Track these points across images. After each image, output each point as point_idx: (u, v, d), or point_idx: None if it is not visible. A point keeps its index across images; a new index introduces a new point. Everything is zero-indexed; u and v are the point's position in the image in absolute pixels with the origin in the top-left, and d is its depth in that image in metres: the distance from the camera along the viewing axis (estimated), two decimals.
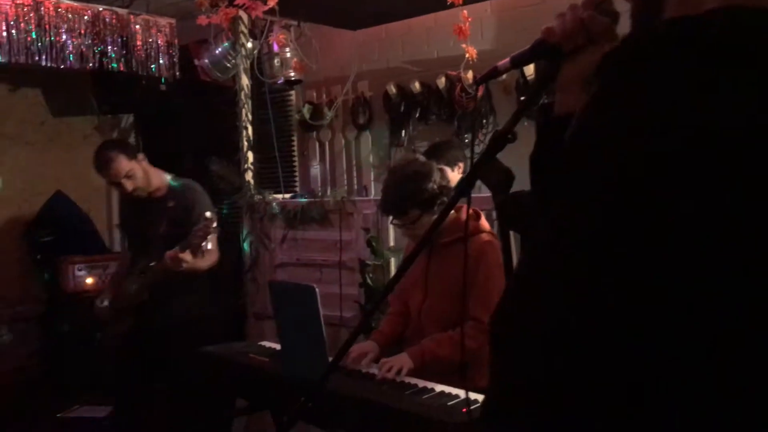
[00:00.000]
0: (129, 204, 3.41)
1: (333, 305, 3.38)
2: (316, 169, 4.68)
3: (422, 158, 2.66)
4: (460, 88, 3.91)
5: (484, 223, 2.53)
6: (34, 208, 5.36)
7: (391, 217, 2.61)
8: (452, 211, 2.54)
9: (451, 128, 4.05)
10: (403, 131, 4.29)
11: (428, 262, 2.52)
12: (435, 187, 2.44)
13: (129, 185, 3.21)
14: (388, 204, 2.50)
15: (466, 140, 3.95)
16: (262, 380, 2.50)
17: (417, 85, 4.15)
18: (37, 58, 3.95)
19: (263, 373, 2.49)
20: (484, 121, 3.98)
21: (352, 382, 2.27)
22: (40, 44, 3.99)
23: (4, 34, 3.84)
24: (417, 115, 4.21)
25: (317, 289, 2.19)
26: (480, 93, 3.88)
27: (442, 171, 2.56)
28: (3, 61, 3.84)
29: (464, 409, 1.96)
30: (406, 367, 2.28)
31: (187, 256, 2.98)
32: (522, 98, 3.73)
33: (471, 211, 2.56)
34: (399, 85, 4.25)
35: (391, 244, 3.27)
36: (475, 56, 3.54)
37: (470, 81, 3.85)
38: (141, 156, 3.27)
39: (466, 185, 1.21)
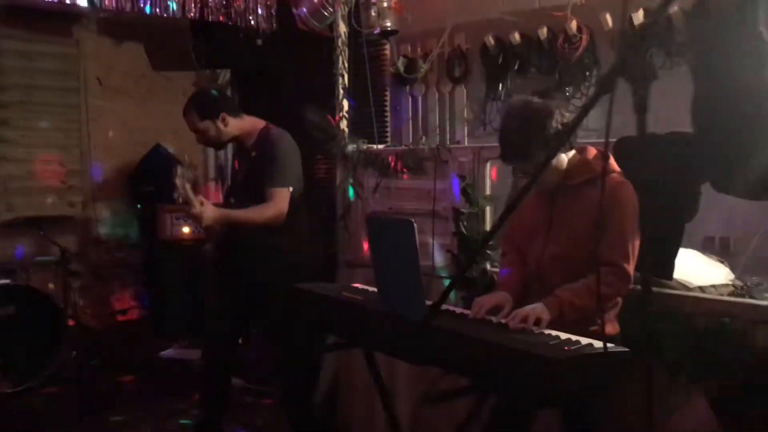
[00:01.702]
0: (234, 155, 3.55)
1: (425, 255, 3.33)
2: (408, 123, 4.63)
3: (537, 98, 2.51)
4: (563, 38, 3.76)
5: (614, 163, 2.38)
6: (135, 159, 5.56)
7: (512, 167, 2.41)
8: (578, 153, 2.43)
9: (551, 81, 3.90)
10: (501, 84, 4.16)
11: (551, 206, 2.39)
12: (559, 125, 2.28)
13: (199, 139, 3.32)
14: (510, 150, 2.33)
15: (567, 93, 3.80)
16: (355, 317, 2.48)
17: (516, 36, 4.01)
18: (142, 4, 4.05)
19: (356, 310, 2.47)
20: (587, 73, 3.81)
21: (445, 318, 2.24)
22: None
23: None
24: (516, 67, 4.08)
25: (414, 224, 2.14)
26: (584, 43, 3.72)
27: (562, 108, 2.37)
28: (110, 7, 3.96)
29: (566, 348, 1.89)
30: (545, 319, 2.13)
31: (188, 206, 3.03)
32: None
33: (598, 151, 2.42)
34: (497, 37, 4.12)
35: (487, 192, 3.19)
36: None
37: (574, 30, 3.70)
38: (222, 115, 3.26)
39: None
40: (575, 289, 2.22)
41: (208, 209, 3.03)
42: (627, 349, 1.92)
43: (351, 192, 3.84)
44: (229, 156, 5.94)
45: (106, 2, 3.95)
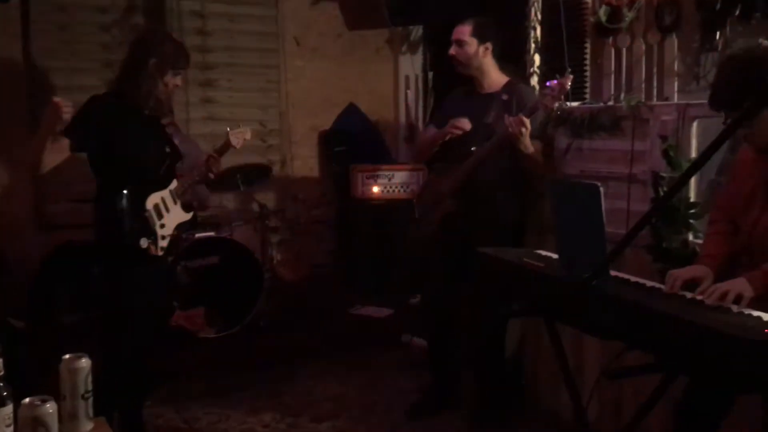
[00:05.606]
0: (456, 102, 3.58)
1: (619, 222, 3.06)
2: (609, 78, 4.25)
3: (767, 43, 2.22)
4: None
5: None
6: (329, 119, 5.69)
7: (723, 117, 2.17)
8: None
9: None
10: (718, 33, 3.67)
11: None
12: None
13: (454, 52, 3.44)
14: (719, 96, 2.13)
15: None
16: (535, 285, 2.34)
17: None
18: None
19: (536, 277, 2.33)
20: None
21: (634, 290, 2.04)
22: None
23: None
24: (737, 12, 3.57)
25: (601, 188, 1.95)
26: None
27: None
28: None
29: (766, 330, 1.64)
30: (747, 296, 1.91)
31: (527, 121, 3.05)
32: None
33: None
34: None
35: (693, 155, 2.83)
36: None
37: None
38: (487, 45, 3.43)
39: None
40: None
41: (528, 133, 3.14)
42: None
43: None
44: (420, 116, 5.91)
45: None
